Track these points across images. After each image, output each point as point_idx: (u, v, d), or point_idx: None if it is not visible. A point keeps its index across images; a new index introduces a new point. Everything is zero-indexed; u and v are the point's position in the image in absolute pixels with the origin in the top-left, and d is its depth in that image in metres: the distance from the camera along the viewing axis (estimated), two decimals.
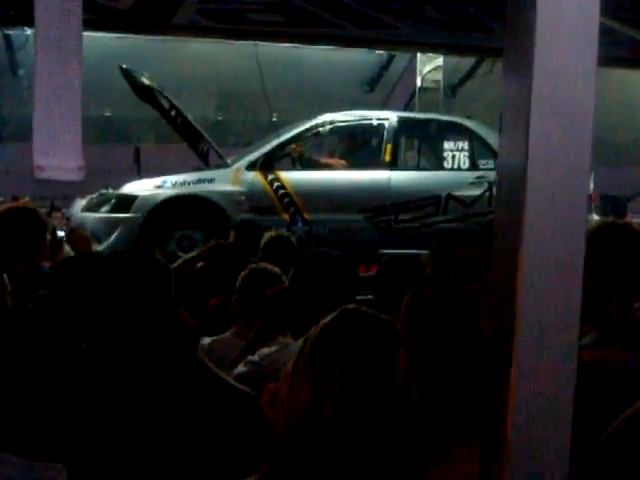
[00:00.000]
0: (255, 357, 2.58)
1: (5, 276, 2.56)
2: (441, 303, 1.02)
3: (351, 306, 1.31)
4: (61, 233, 5.50)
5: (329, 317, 1.26)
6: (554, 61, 0.62)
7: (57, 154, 2.80)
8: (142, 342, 1.72)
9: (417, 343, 1.04)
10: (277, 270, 3.02)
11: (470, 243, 2.74)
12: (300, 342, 1.31)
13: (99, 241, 6.83)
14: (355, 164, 7.89)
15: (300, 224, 7.37)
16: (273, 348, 2.59)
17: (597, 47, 0.62)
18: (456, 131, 8.10)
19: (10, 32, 10.06)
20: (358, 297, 2.73)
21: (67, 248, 4.34)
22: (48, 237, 3.46)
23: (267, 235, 4.45)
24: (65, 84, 2.79)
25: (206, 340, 2.86)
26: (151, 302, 1.73)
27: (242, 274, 3.05)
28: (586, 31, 0.62)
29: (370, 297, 2.86)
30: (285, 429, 1.20)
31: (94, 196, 7.51)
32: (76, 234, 5.50)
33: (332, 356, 1.19)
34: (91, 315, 1.75)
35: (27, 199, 8.38)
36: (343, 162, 7.84)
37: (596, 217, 7.51)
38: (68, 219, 7.76)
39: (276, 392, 1.28)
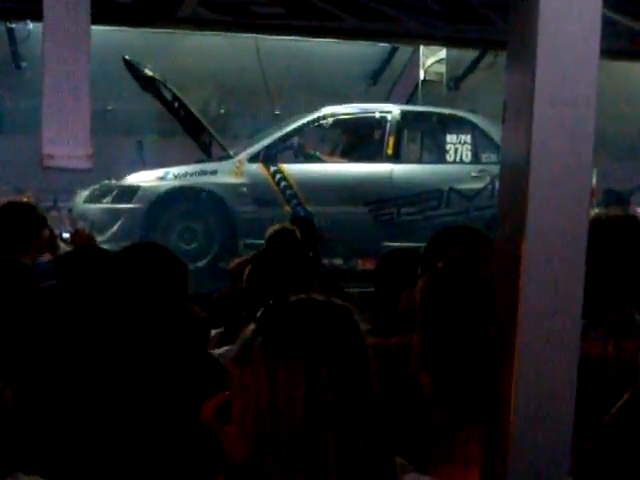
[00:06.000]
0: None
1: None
2: (460, 287, 1.02)
3: (302, 295, 1.23)
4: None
5: (279, 307, 1.20)
6: (557, 53, 0.62)
7: (67, 142, 2.80)
8: (157, 333, 1.73)
9: (434, 323, 1.03)
10: None
11: (467, 238, 2.72)
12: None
13: (101, 232, 6.83)
14: (357, 157, 7.88)
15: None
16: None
17: (599, 39, 0.62)
18: (458, 124, 8.09)
19: (13, 25, 10.04)
20: (360, 290, 2.73)
21: (62, 245, 4.29)
22: (46, 233, 3.44)
23: (271, 228, 4.45)
24: (73, 72, 2.79)
25: (212, 332, 2.85)
26: (167, 295, 1.76)
27: (248, 267, 3.03)
28: (589, 23, 0.62)
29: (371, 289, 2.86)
30: (252, 434, 1.12)
31: (96, 187, 7.51)
32: (80, 234, 5.49)
33: (291, 348, 1.13)
34: (107, 305, 1.76)
35: (29, 194, 8.36)
36: (344, 160, 7.84)
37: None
38: (70, 211, 7.75)
39: (227, 402, 1.19)
